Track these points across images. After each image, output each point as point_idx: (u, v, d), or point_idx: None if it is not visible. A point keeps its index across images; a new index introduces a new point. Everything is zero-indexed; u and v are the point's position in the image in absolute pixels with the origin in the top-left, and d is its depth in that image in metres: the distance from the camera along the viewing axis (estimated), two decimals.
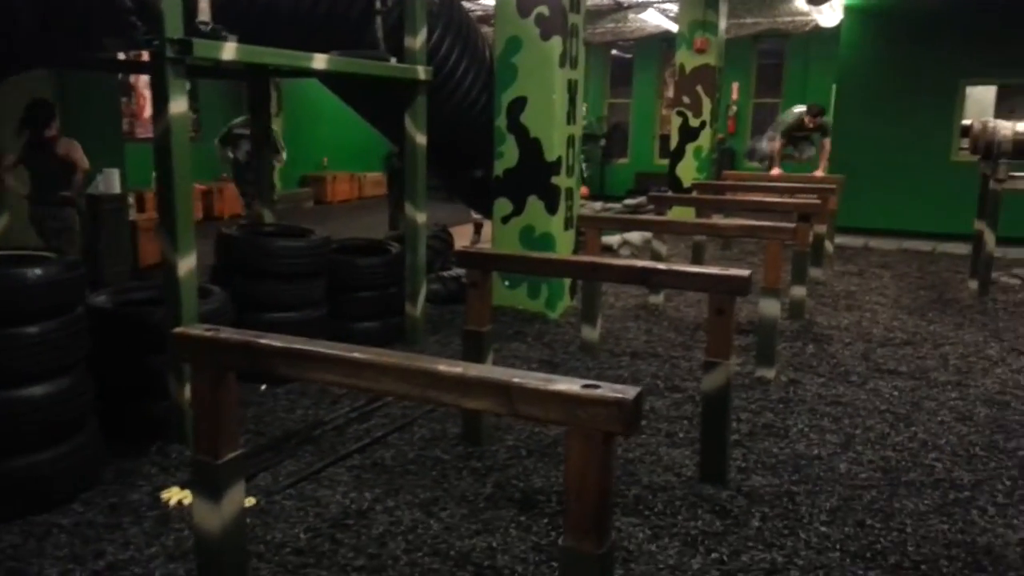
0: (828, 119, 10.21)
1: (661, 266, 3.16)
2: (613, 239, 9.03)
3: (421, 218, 5.02)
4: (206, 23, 3.47)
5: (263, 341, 2.08)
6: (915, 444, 3.79)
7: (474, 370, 1.86)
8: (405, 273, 5.09)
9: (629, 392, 1.73)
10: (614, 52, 16.84)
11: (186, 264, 3.38)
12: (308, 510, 3.02)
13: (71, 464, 3.05)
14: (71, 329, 3.07)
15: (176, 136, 3.31)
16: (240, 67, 5.13)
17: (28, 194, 5.46)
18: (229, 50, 3.46)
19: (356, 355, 1.97)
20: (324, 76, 5.44)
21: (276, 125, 13.19)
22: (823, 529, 2.98)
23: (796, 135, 9.84)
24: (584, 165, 12.49)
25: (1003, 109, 12.74)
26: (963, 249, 9.04)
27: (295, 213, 12.90)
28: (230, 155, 8.25)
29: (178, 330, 2.19)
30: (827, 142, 9.71)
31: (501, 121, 5.80)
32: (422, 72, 4.79)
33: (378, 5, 4.61)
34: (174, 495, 3.06)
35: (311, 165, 14.31)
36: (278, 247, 4.40)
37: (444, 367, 1.87)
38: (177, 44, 3.23)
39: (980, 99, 12.16)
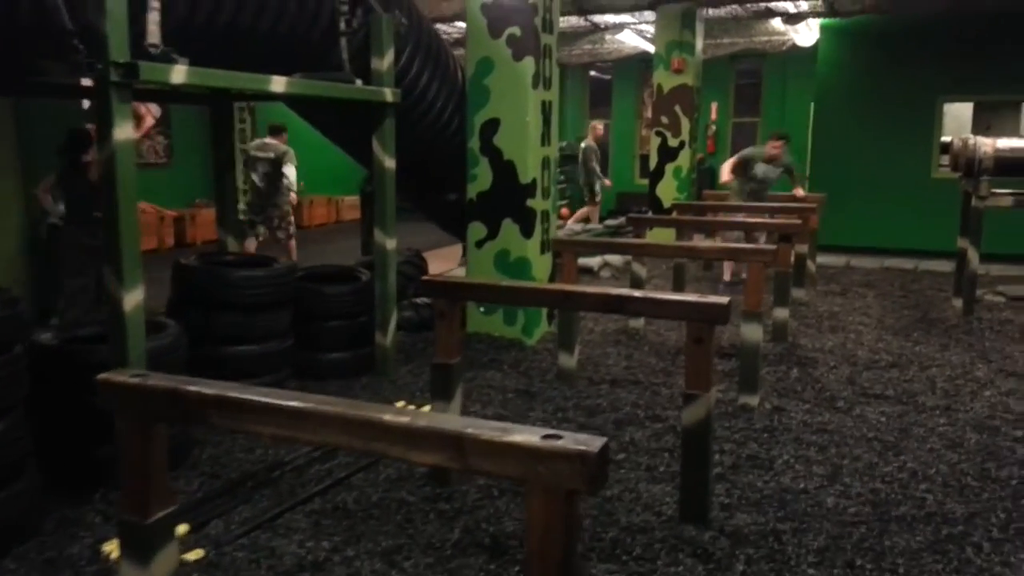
0: (793, 160, 8.66)
1: (637, 294, 3.00)
2: (594, 261, 8.89)
3: (391, 244, 4.85)
4: (156, 45, 3.30)
5: (193, 389, 1.89)
6: (905, 474, 3.63)
7: (423, 420, 1.68)
8: (375, 301, 4.90)
9: (593, 443, 1.55)
10: (592, 73, 16.84)
11: (132, 299, 3.18)
12: (261, 562, 2.80)
13: (5, 515, 2.82)
14: (8, 370, 2.86)
15: (121, 164, 3.12)
16: (203, 91, 4.98)
17: (63, 215, 5.81)
18: (179, 73, 3.28)
19: (295, 404, 1.78)
20: (289, 100, 5.28)
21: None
22: (811, 572, 2.80)
23: (751, 164, 8.14)
24: (599, 183, 12.07)
25: (979, 125, 12.80)
26: (946, 266, 8.96)
27: (271, 238, 12.68)
28: (252, 177, 8.40)
29: (102, 376, 2.00)
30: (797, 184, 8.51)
31: (474, 143, 5.65)
32: (389, 94, 4.64)
33: (343, 26, 4.46)
34: (116, 548, 2.83)
35: None
36: (238, 277, 4.20)
37: (390, 417, 1.69)
38: (122, 68, 3.05)
39: (957, 115, 12.20)
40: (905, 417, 4.37)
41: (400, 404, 4.41)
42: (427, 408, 3.66)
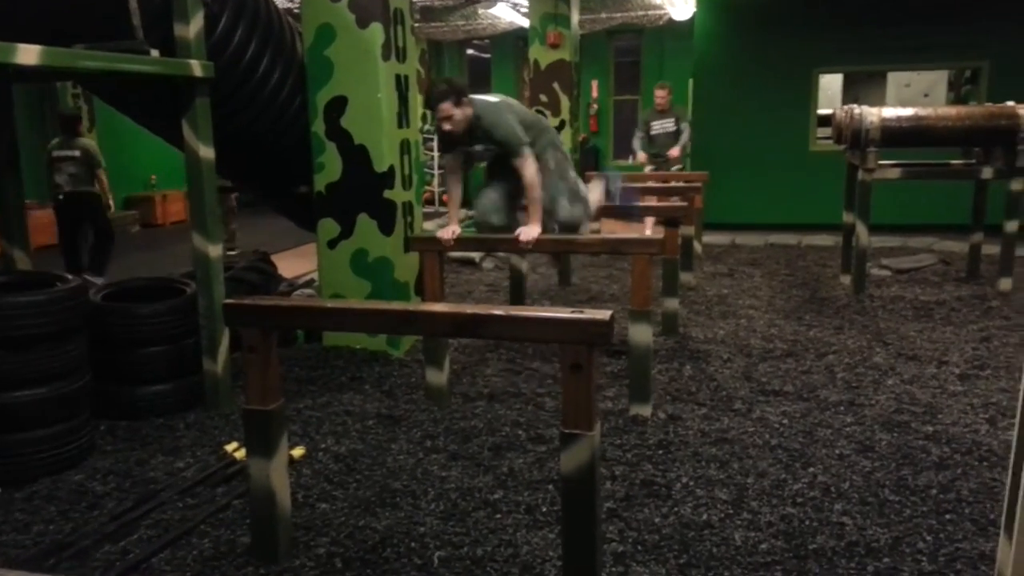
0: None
1: (497, 311, 2.38)
2: (475, 252, 8.24)
3: (214, 251, 4.02)
4: None
5: None
6: (816, 492, 3.18)
7: None
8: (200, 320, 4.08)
9: None
10: (470, 52, 16.16)
11: None
12: None
13: None
14: None
15: None
16: None
17: None
18: None
19: None
20: (84, 81, 4.34)
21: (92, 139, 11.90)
22: None
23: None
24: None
25: (848, 97, 12.95)
26: (829, 240, 8.88)
27: (119, 240, 11.35)
28: (55, 180, 7.43)
29: None
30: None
31: (318, 126, 4.86)
32: (199, 68, 3.79)
33: None
34: None
35: (137, 184, 12.73)
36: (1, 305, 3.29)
37: None
38: None
39: (826, 87, 12.25)
40: (808, 417, 3.96)
41: (232, 447, 3.63)
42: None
